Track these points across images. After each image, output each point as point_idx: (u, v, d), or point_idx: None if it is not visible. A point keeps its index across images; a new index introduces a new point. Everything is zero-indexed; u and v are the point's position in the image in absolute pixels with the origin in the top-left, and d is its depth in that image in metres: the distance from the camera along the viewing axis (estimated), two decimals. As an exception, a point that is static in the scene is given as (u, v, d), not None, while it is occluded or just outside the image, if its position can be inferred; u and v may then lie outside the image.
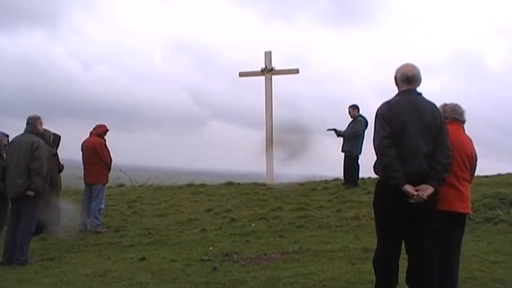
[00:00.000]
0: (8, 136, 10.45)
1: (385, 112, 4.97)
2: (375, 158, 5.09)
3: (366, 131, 13.35)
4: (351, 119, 13.85)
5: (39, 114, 8.97)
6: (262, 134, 16.17)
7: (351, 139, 13.57)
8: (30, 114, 8.89)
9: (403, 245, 5.09)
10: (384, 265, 5.07)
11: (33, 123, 8.79)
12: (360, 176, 14.02)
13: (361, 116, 13.72)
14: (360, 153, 13.59)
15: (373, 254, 5.30)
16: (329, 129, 14.00)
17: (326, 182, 15.34)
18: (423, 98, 5.06)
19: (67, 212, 10.97)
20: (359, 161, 13.71)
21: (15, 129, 10.10)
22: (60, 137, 11.44)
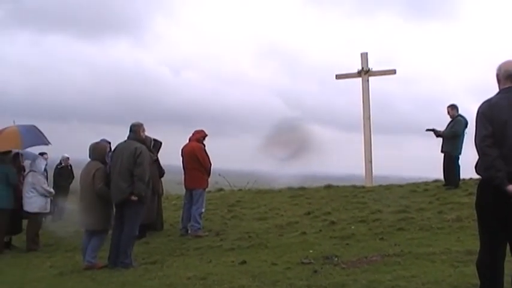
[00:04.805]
0: (110, 143, 10.89)
1: (486, 111, 4.85)
2: (476, 158, 5.00)
3: (466, 131, 13.05)
4: (449, 119, 13.55)
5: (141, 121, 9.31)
6: (360, 136, 16.11)
7: (451, 139, 13.29)
8: (133, 121, 9.18)
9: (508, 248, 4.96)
10: (488, 268, 4.94)
11: (136, 130, 9.09)
12: (461, 176, 13.68)
13: (460, 115, 13.41)
14: (460, 153, 13.27)
15: (476, 256, 5.19)
16: (428, 130, 13.79)
17: (426, 183, 15.05)
18: (525, 96, 4.90)
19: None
20: (459, 162, 13.40)
21: (113, 136, 10.51)
22: (161, 143, 11.84)
